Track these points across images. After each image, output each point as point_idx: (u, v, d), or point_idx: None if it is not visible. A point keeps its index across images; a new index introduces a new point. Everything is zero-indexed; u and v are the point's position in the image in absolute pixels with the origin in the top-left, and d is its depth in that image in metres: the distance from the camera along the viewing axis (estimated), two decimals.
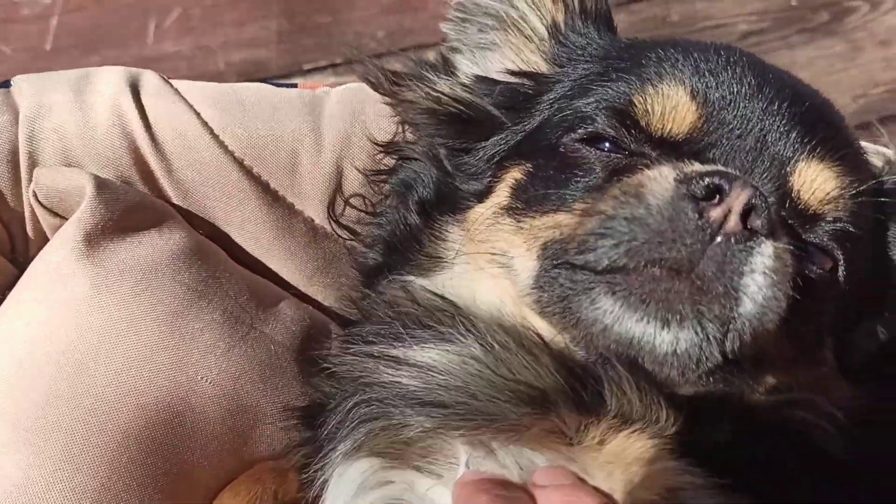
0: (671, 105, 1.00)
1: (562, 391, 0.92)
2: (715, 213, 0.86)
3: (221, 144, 1.22)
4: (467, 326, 0.97)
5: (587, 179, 0.99)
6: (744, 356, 0.90)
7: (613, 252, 0.88)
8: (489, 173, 1.11)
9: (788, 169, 0.99)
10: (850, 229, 1.01)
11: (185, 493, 1.11)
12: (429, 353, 0.97)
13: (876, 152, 1.31)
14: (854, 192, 1.02)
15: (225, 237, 1.27)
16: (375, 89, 1.22)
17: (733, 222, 0.86)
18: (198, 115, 1.21)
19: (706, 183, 0.87)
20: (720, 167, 0.94)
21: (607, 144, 1.01)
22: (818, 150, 1.01)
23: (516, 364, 0.94)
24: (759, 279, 0.87)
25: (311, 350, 1.17)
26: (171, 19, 2.48)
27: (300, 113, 1.26)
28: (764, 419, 0.98)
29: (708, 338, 0.87)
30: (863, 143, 1.35)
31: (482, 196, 1.10)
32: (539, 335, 0.98)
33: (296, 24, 2.49)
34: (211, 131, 1.21)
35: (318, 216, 1.29)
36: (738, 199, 0.86)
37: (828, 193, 1.00)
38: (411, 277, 1.08)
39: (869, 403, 1.07)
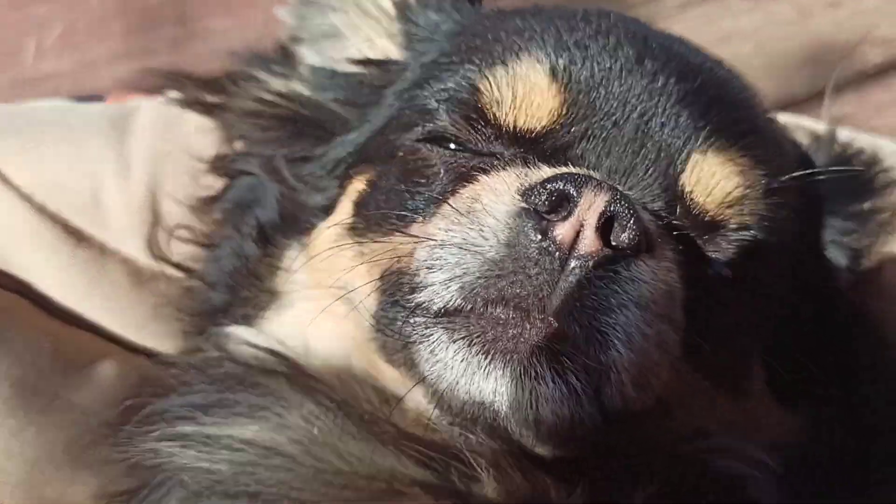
0: (524, 90, 0.80)
1: (413, 474, 0.72)
2: (562, 232, 0.66)
3: (3, 178, 1.01)
4: (294, 392, 0.78)
5: (429, 190, 0.80)
6: (633, 410, 0.71)
7: (445, 290, 0.69)
8: (335, 184, 0.93)
9: (679, 164, 0.79)
10: (761, 238, 0.81)
11: None
12: (239, 431, 0.78)
13: (799, 127, 1.11)
14: (764, 190, 0.81)
15: (27, 288, 1.06)
16: (191, 108, 1.03)
17: (589, 240, 0.66)
18: None
19: (549, 191, 0.67)
20: (567, 168, 0.74)
21: (453, 144, 0.82)
22: (715, 139, 0.81)
23: (350, 443, 0.74)
24: (634, 314, 0.67)
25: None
26: (53, 36, 2.29)
27: (102, 132, 1.07)
28: (680, 476, 0.77)
29: (577, 395, 0.67)
30: (787, 119, 1.16)
31: (328, 211, 0.92)
32: (386, 393, 0.80)
33: (189, 29, 2.30)
34: None
35: (140, 254, 1.09)
36: (590, 208, 0.65)
37: (728, 194, 0.80)
38: (232, 328, 0.91)
39: (812, 435, 0.88)
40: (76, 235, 1.05)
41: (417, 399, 0.77)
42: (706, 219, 0.80)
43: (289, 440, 0.76)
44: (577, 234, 0.66)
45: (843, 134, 1.06)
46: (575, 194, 0.66)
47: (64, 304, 1.07)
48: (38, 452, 0.95)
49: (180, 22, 2.31)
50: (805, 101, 2.26)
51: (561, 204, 0.66)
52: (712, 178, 0.79)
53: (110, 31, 2.29)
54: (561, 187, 0.66)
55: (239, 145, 1.03)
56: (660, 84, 0.82)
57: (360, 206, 0.87)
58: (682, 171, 0.79)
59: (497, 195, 0.70)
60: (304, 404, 0.77)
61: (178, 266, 1.06)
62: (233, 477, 0.76)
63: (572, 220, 0.66)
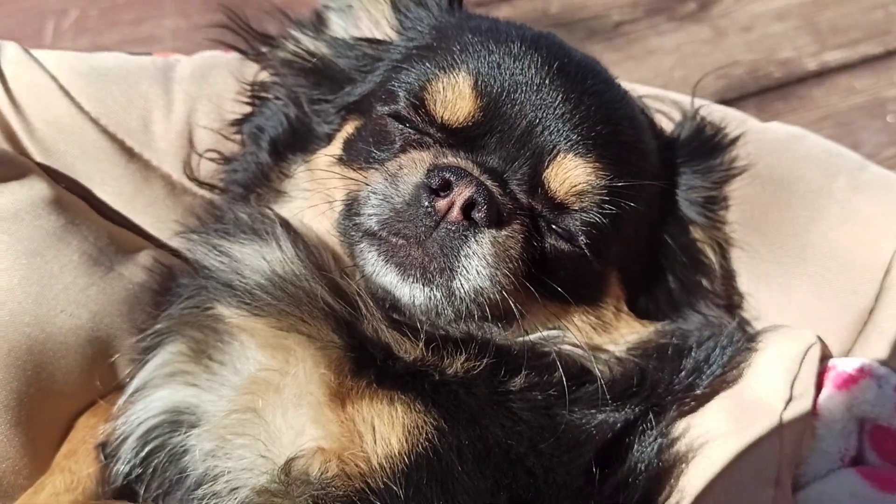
0: (452, 95, 1.12)
1: (327, 297, 1.09)
2: (440, 205, 1.03)
3: (78, 106, 1.33)
4: (285, 239, 1.14)
5: (387, 147, 1.15)
6: (476, 313, 1.06)
7: (370, 220, 1.06)
8: (337, 121, 1.26)
9: (546, 161, 1.11)
10: (596, 220, 1.13)
11: (49, 414, 1.21)
12: (242, 249, 1.14)
13: (673, 102, 1.44)
14: (604, 187, 1.12)
15: (88, 193, 1.38)
16: (247, 56, 1.35)
17: (455, 214, 1.02)
18: (55, 79, 1.33)
19: (440, 177, 1.03)
20: (458, 162, 1.08)
21: (407, 122, 1.15)
22: (578, 146, 1.11)
23: (302, 272, 1.11)
24: (475, 262, 1.04)
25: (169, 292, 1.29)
26: (69, 21, 2.59)
27: (152, 76, 1.39)
28: (518, 352, 1.12)
29: (438, 298, 1.05)
30: (658, 92, 1.51)
31: (329, 140, 1.25)
32: (339, 262, 1.15)
33: (191, 22, 2.61)
34: (67, 94, 1.33)
35: (176, 172, 1.41)
36: (461, 194, 1.02)
37: (574, 186, 1.12)
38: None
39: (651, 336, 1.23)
40: (128, 152, 1.36)
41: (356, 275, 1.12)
42: (557, 202, 1.12)
43: (267, 259, 1.12)
44: (450, 208, 1.02)
45: (701, 107, 1.41)
46: (454, 183, 1.02)
47: (114, 207, 1.40)
48: (98, 305, 1.26)
49: (182, 15, 2.63)
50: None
51: (447, 186, 1.02)
52: (566, 174, 1.11)
53: (119, 19, 2.60)
54: (447, 176, 1.02)
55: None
56: (548, 101, 1.12)
57: (347, 144, 1.21)
58: (547, 167, 1.11)
59: (412, 168, 1.06)
60: (284, 241, 1.13)
61: (204, 184, 1.40)
62: (231, 276, 1.12)
63: (448, 199, 1.02)
